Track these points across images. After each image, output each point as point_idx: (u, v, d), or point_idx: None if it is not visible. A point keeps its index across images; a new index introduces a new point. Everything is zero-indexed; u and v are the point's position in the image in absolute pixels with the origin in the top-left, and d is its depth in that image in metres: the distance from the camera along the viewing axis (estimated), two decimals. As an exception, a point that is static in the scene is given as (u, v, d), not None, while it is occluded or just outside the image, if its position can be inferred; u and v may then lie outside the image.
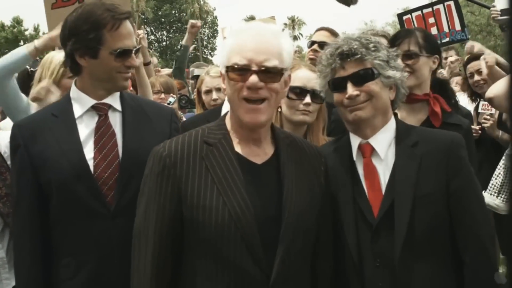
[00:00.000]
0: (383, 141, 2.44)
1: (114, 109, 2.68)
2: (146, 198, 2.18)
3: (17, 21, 42.18)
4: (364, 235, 2.35)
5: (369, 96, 2.39)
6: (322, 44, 4.23)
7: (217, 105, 4.38)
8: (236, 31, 2.23)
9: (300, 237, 2.16)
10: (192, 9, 56.63)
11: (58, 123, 2.62)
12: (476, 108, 5.31)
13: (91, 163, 2.54)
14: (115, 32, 2.55)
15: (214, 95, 4.45)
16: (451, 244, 2.36)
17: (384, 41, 2.77)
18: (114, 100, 2.69)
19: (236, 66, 2.12)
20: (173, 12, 58.11)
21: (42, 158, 2.54)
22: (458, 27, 6.26)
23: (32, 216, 2.56)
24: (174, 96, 4.68)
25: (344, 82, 2.42)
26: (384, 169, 2.41)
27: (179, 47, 6.31)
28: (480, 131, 5.17)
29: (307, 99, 2.96)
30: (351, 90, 2.39)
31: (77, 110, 2.65)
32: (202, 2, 58.52)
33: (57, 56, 3.63)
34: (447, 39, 6.34)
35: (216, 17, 56.63)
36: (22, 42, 42.52)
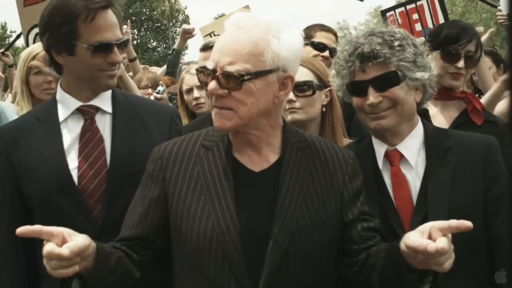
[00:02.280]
0: (412, 147, 2.19)
1: (103, 112, 2.37)
2: (135, 199, 2.00)
3: (-16, 20, 41.14)
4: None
5: (393, 102, 2.13)
6: (322, 47, 3.98)
7: (200, 104, 4.13)
8: (226, 25, 1.92)
9: (297, 260, 1.84)
10: (163, 7, 56.01)
11: (42, 128, 2.32)
12: None
13: (75, 173, 2.25)
14: (90, 23, 2.22)
15: (196, 93, 4.14)
16: (489, 261, 2.13)
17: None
18: (103, 101, 2.38)
19: (206, 69, 1.86)
20: (144, 10, 57.42)
21: (23, 167, 2.26)
22: (442, 21, 6.10)
23: (13, 232, 2.24)
24: (163, 85, 4.30)
25: (364, 86, 2.15)
26: (414, 178, 2.16)
27: (171, 51, 6.07)
28: None
29: (290, 95, 2.63)
30: (372, 96, 2.13)
31: (62, 113, 2.35)
32: (173, 1, 57.91)
33: (25, 51, 3.33)
34: None
35: (187, 16, 56.09)
36: (-11, 41, 41.44)
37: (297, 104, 2.67)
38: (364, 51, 2.11)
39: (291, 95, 2.64)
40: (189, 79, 4.18)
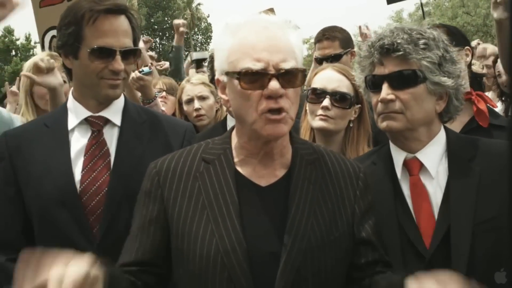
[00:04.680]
0: (433, 155, 2.03)
1: (113, 124, 2.26)
2: (134, 220, 1.86)
3: (8, 31, 41.75)
4: (415, 270, 1.94)
5: (406, 105, 1.98)
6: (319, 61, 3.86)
7: (201, 116, 3.99)
8: (233, 28, 1.77)
9: (309, 281, 1.69)
10: (185, 16, 56.40)
11: (49, 135, 2.22)
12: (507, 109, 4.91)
13: (77, 187, 2.14)
14: (93, 26, 2.13)
15: (196, 104, 3.98)
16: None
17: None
18: (113, 113, 2.27)
19: (250, 72, 1.68)
20: (166, 19, 57.93)
21: (26, 174, 2.16)
22: None
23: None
24: (151, 66, 4.08)
25: (380, 81, 2.01)
26: (435, 189, 2.00)
27: (170, 49, 6.06)
28: None
29: (326, 102, 2.58)
30: (385, 92, 1.98)
31: (70, 122, 2.24)
32: (194, 9, 58.34)
33: (28, 61, 3.26)
34: None
35: (210, 24, 56.35)
36: (13, 52, 42.09)
37: (331, 113, 2.60)
38: (385, 42, 1.98)
39: (327, 102, 2.57)
40: (190, 88, 4.03)
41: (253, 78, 1.68)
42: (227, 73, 1.75)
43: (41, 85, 3.07)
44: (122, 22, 2.19)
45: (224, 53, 1.76)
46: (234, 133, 1.87)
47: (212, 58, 4.16)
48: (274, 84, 1.66)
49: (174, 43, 5.88)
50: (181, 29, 5.63)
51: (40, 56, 3.30)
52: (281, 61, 1.68)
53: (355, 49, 3.96)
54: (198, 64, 5.60)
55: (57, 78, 3.03)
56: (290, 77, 1.70)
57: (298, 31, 1.80)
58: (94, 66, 2.15)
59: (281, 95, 1.68)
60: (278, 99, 1.68)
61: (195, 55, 5.82)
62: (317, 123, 2.61)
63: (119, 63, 2.16)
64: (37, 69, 2.98)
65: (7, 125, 3.00)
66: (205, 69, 5.48)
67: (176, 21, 5.79)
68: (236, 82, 1.71)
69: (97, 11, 2.13)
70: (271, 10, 5.20)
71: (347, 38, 4.07)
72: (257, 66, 1.68)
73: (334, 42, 3.94)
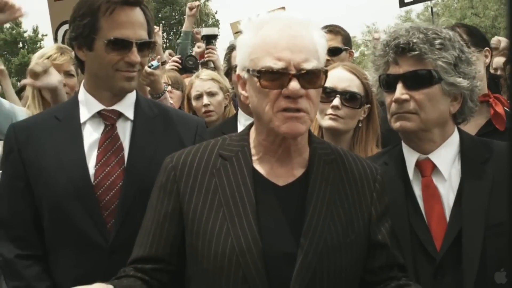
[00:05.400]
0: (446, 157, 2.01)
1: (125, 118, 2.23)
2: (147, 214, 1.84)
3: (16, 23, 41.81)
4: (425, 272, 1.92)
5: (421, 106, 1.96)
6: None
7: (210, 112, 3.99)
8: (256, 24, 1.75)
9: (325, 283, 1.67)
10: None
11: (61, 128, 2.19)
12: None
13: (92, 181, 2.12)
14: (109, 17, 2.11)
15: (205, 100, 3.99)
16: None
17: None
18: (126, 107, 2.24)
19: (271, 71, 1.66)
20: (173, 14, 57.85)
21: (37, 167, 2.14)
22: None
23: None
24: (158, 60, 4.08)
25: (395, 81, 1.99)
26: (447, 191, 1.98)
27: (179, 34, 6.05)
28: None
29: (336, 101, 2.56)
30: (400, 92, 1.96)
31: (83, 116, 2.22)
32: (202, 5, 58.29)
33: (36, 53, 3.28)
34: None
35: (217, 20, 56.27)
36: (21, 44, 42.12)
37: (341, 112, 2.58)
38: (400, 41, 1.96)
39: (337, 102, 2.56)
40: (199, 84, 4.03)
41: (274, 77, 1.67)
42: (248, 70, 1.73)
43: (42, 88, 3.09)
44: (138, 14, 2.17)
45: (247, 50, 1.74)
46: (252, 130, 1.85)
47: (230, 49, 4.16)
48: (294, 85, 1.65)
49: (183, 28, 5.88)
50: (193, 12, 5.63)
51: (48, 50, 3.31)
52: (303, 61, 1.66)
53: (361, 48, 4.01)
54: (208, 41, 5.50)
55: (55, 76, 3.03)
56: (311, 77, 1.68)
57: (322, 30, 1.78)
58: (110, 57, 2.12)
59: (301, 96, 1.67)
60: (297, 99, 1.67)
61: (205, 30, 5.66)
62: (327, 122, 2.59)
63: (135, 55, 2.13)
64: (33, 74, 2.98)
65: (9, 116, 3.00)
66: (214, 46, 5.41)
67: (190, 4, 5.78)
68: (255, 80, 1.70)
69: (114, 2, 2.11)
70: (283, 8, 5.15)
71: (348, 37, 4.20)
72: (278, 65, 1.66)
73: (336, 36, 4.02)
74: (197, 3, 5.83)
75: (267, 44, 1.69)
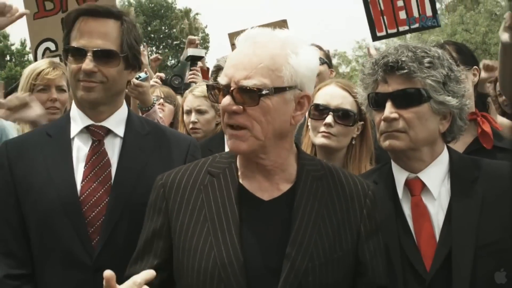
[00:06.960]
0: (436, 176, 1.99)
1: (115, 135, 2.21)
2: (142, 233, 1.86)
3: (4, 36, 41.60)
4: (415, 293, 1.90)
5: (410, 125, 1.94)
6: None
7: (196, 130, 3.96)
8: (239, 40, 1.77)
9: None
10: (182, 26, 56.47)
11: (51, 144, 2.17)
12: None
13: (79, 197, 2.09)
14: (74, 27, 2.15)
15: (193, 117, 3.93)
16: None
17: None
18: (116, 123, 2.22)
19: (217, 86, 1.72)
20: (163, 28, 57.93)
21: (26, 183, 2.11)
22: (429, 13, 5.76)
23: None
24: (146, 72, 4.00)
25: (384, 99, 1.98)
26: (437, 210, 1.96)
27: (176, 63, 5.95)
28: None
29: (329, 118, 2.54)
30: (389, 111, 1.95)
31: (73, 131, 2.20)
32: (192, 19, 58.38)
33: (28, 68, 3.24)
34: (417, 25, 5.86)
35: (207, 35, 56.42)
36: (8, 57, 41.91)
37: (334, 130, 2.56)
38: (389, 60, 1.95)
39: (330, 119, 2.55)
40: (190, 100, 4.00)
41: (220, 92, 1.72)
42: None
43: (21, 121, 3.07)
44: (104, 24, 2.15)
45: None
46: None
47: (217, 68, 4.15)
48: (224, 100, 1.68)
49: (181, 58, 5.79)
50: (192, 46, 5.57)
51: (39, 64, 3.28)
52: (243, 78, 1.66)
53: (353, 64, 4.10)
54: (192, 62, 5.40)
55: (35, 110, 3.00)
56: (250, 94, 1.65)
57: (308, 51, 1.74)
58: (71, 67, 2.14)
59: (235, 112, 1.67)
60: (233, 115, 1.68)
61: (191, 51, 5.58)
62: (320, 140, 2.57)
63: (87, 63, 2.10)
64: (13, 108, 2.95)
65: None
66: (198, 68, 5.35)
67: (191, 37, 5.73)
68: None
69: (81, 13, 2.14)
70: (284, 21, 5.10)
71: (329, 56, 4.47)
72: (223, 80, 1.70)
73: (319, 51, 4.08)
74: (197, 39, 5.74)
75: (228, 60, 1.75)
